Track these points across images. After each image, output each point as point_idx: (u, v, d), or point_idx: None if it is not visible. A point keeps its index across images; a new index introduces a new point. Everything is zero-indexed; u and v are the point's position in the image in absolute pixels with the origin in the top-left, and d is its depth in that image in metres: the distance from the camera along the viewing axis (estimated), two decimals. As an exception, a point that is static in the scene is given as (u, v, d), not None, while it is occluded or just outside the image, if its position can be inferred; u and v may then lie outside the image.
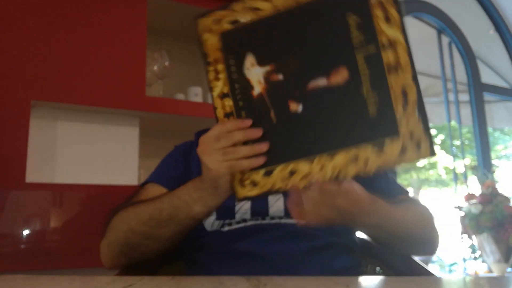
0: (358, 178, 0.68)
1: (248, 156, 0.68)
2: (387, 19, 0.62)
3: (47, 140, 1.45)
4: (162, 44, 1.79)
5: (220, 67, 0.70)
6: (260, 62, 0.68)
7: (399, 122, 0.62)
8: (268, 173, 0.68)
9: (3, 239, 1.28)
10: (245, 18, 0.68)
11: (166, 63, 1.75)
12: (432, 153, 0.62)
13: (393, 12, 0.62)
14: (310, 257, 0.80)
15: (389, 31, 0.62)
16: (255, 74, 0.68)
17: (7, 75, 1.35)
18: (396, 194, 0.91)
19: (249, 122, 0.68)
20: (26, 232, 1.30)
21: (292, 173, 0.67)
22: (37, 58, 1.40)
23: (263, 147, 0.67)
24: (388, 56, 0.62)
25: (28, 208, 1.33)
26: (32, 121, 1.37)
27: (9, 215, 1.29)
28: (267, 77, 0.68)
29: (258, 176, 0.69)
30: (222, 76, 0.70)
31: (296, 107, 0.67)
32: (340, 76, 0.64)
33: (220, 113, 0.70)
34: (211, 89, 0.70)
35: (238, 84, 0.69)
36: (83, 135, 1.51)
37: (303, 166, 0.66)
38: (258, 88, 0.68)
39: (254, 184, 0.69)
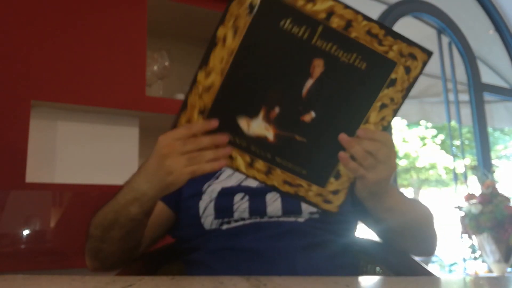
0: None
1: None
2: (309, 0, 0.65)
3: (47, 140, 1.45)
4: (162, 44, 1.79)
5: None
6: (252, 115, 0.69)
7: (387, 55, 0.67)
8: (337, 177, 0.72)
9: (3, 239, 1.28)
10: (205, 102, 0.68)
11: (166, 63, 1.75)
12: (428, 52, 0.68)
13: None
14: (308, 254, 0.81)
15: (319, 7, 0.65)
16: (258, 126, 0.69)
17: (7, 75, 1.35)
18: None
19: (215, 123, 0.68)
20: (26, 232, 1.30)
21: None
22: (37, 58, 1.40)
23: (227, 150, 0.69)
24: (336, 23, 0.66)
25: (28, 208, 1.33)
26: (32, 121, 1.37)
27: (9, 215, 1.29)
28: (268, 119, 0.69)
29: (332, 185, 0.73)
30: (235, 153, 0.70)
31: (310, 116, 0.69)
32: (318, 67, 0.67)
33: (261, 177, 0.72)
34: (237, 170, 0.71)
35: (253, 145, 0.70)
36: (83, 135, 1.51)
37: None
38: (270, 134, 0.69)
39: (335, 192, 0.73)
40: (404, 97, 0.69)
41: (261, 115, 0.69)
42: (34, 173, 1.38)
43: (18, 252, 1.28)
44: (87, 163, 1.49)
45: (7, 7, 1.39)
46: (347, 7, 0.66)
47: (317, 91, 0.68)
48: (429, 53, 0.68)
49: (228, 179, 0.90)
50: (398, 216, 0.81)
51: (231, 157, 0.70)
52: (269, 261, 0.79)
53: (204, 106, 0.68)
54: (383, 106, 0.69)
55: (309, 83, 0.68)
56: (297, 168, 0.72)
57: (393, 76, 0.68)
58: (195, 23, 1.79)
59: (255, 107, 0.68)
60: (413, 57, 0.68)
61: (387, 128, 0.71)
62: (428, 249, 0.92)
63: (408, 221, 0.83)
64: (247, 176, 0.71)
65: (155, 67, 1.74)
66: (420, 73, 0.68)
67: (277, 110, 0.68)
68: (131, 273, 0.82)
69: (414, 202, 0.91)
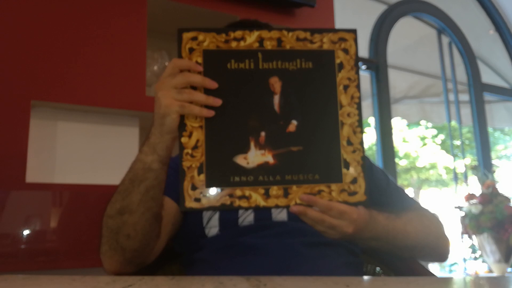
0: (372, 191, 0.74)
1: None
2: (240, 39, 0.74)
3: (47, 140, 1.45)
4: (162, 44, 1.79)
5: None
6: (245, 150, 0.72)
7: (322, 48, 0.76)
8: (347, 166, 0.74)
9: (3, 239, 1.28)
10: (198, 159, 0.72)
11: (166, 63, 1.75)
12: (352, 30, 0.77)
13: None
14: (312, 251, 0.81)
15: (249, 40, 0.75)
16: (255, 157, 0.73)
17: (7, 75, 1.35)
18: (407, 205, 0.93)
19: (200, 68, 0.72)
20: (26, 232, 1.30)
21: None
22: (37, 58, 1.40)
23: (218, 101, 0.72)
24: (269, 45, 0.75)
25: (28, 208, 1.33)
26: (32, 121, 1.37)
27: (9, 215, 1.29)
28: (261, 146, 0.73)
29: (347, 175, 0.74)
30: (248, 192, 0.72)
31: (293, 125, 0.74)
32: (276, 83, 0.75)
33: (281, 202, 0.73)
34: (257, 206, 0.73)
35: (260, 176, 0.72)
36: (83, 135, 1.51)
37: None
38: (269, 157, 0.73)
39: (354, 181, 0.74)
40: (357, 72, 0.76)
41: (252, 145, 0.73)
42: (34, 173, 1.38)
43: (18, 252, 1.28)
44: (87, 163, 1.49)
45: (7, 7, 1.39)
46: (270, 29, 0.75)
47: (286, 102, 0.74)
48: (353, 30, 0.77)
49: None
50: (385, 242, 0.81)
51: (246, 197, 0.72)
52: (273, 257, 0.79)
53: (199, 162, 0.72)
54: (346, 87, 0.76)
55: (276, 99, 0.74)
56: (309, 176, 0.73)
57: (337, 61, 0.76)
58: (195, 23, 1.78)
59: (244, 141, 0.73)
60: (343, 39, 0.77)
61: (360, 105, 0.76)
62: (439, 257, 0.92)
63: (398, 242, 0.83)
64: (270, 208, 0.73)
65: (155, 67, 1.74)
66: (357, 47, 0.77)
67: (263, 134, 0.73)
68: (131, 273, 0.82)
69: (415, 218, 0.88)
